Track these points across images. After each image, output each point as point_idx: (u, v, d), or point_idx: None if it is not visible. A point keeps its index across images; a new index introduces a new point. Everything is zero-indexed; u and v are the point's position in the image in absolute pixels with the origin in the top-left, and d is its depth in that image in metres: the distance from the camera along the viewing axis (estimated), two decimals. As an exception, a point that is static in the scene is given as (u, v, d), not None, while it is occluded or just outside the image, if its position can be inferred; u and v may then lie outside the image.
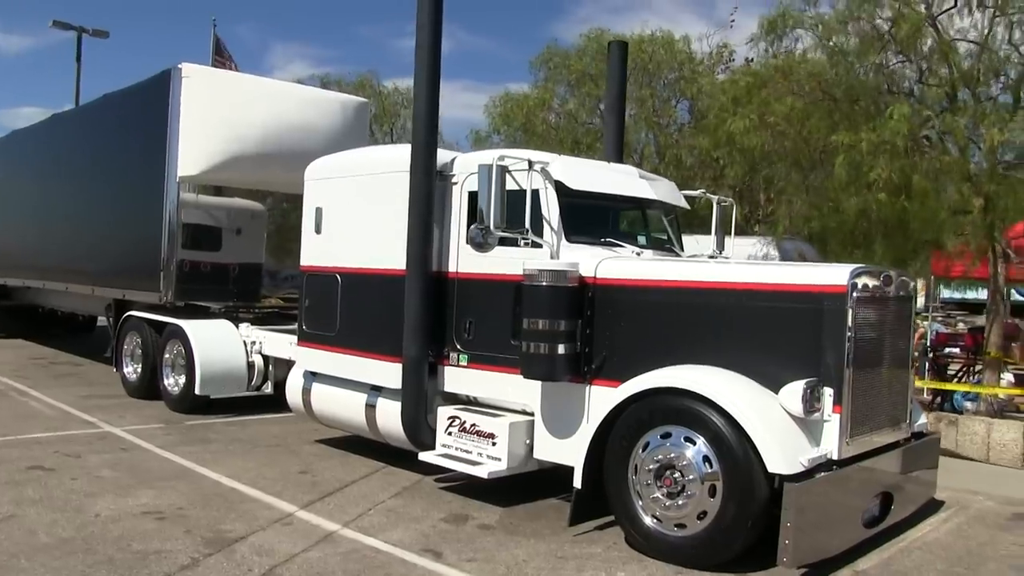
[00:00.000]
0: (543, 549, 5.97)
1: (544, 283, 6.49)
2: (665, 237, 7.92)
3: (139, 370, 11.40)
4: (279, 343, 10.46)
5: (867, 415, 5.93)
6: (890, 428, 6.29)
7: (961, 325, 16.15)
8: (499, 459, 6.91)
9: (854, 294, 5.69)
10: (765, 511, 5.43)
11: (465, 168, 7.47)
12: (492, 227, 6.51)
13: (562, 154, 7.72)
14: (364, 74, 25.69)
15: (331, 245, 8.33)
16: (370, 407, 7.95)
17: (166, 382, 10.80)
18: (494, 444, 6.96)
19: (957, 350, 11.92)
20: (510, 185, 6.72)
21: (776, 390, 5.68)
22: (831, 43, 9.29)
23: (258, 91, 10.91)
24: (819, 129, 9.13)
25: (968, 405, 10.47)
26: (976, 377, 10.92)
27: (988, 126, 8.11)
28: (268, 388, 10.71)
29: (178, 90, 10.37)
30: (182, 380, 10.59)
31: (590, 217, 7.30)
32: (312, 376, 8.69)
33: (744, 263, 7.17)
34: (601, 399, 6.38)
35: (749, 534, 5.47)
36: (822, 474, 5.46)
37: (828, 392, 5.62)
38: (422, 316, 7.37)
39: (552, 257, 6.83)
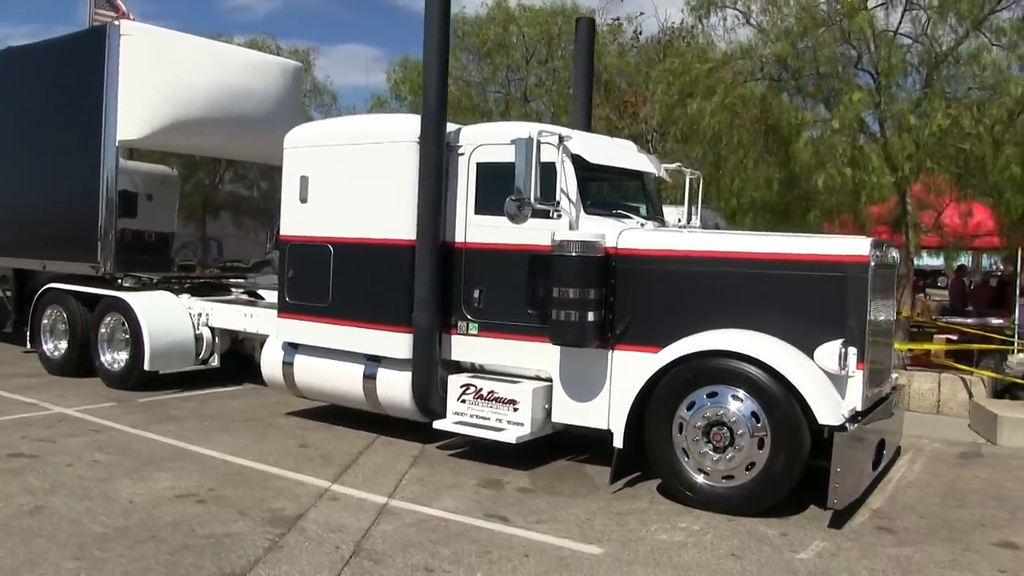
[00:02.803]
0: (595, 507, 6.29)
1: (574, 253, 6.74)
2: (655, 208, 8.34)
3: (63, 347, 10.64)
4: (229, 314, 10.12)
5: (876, 371, 6.63)
6: (885, 382, 7.05)
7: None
8: (522, 424, 7.13)
9: (872, 262, 6.32)
10: (807, 459, 6.03)
11: (473, 140, 7.55)
12: (532, 200, 6.66)
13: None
14: (258, 35, 24.37)
15: (321, 214, 8.15)
16: (369, 378, 7.91)
17: (103, 359, 10.15)
18: (516, 410, 7.17)
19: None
20: (531, 159, 6.87)
21: (802, 351, 6.27)
22: (782, 25, 10.00)
23: (200, 52, 10.29)
24: (772, 109, 9.82)
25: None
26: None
27: (932, 112, 9.10)
28: (215, 361, 10.33)
29: (116, 48, 9.62)
30: (123, 356, 10.01)
31: (602, 189, 7.59)
32: (293, 348, 8.50)
33: (763, 234, 7.68)
34: (631, 363, 6.74)
35: (794, 481, 6.04)
36: (855, 424, 6.09)
37: (853, 351, 6.23)
38: (433, 286, 7.42)
39: (571, 228, 7.07)
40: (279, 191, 12.38)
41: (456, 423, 7.43)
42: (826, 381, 6.14)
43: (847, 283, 6.29)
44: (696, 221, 8.92)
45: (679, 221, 8.96)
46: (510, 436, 7.07)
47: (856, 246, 6.38)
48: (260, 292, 11.28)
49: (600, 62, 17.75)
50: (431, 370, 7.50)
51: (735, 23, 11.17)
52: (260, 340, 10.16)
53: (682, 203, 9.26)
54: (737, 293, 6.62)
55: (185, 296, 10.40)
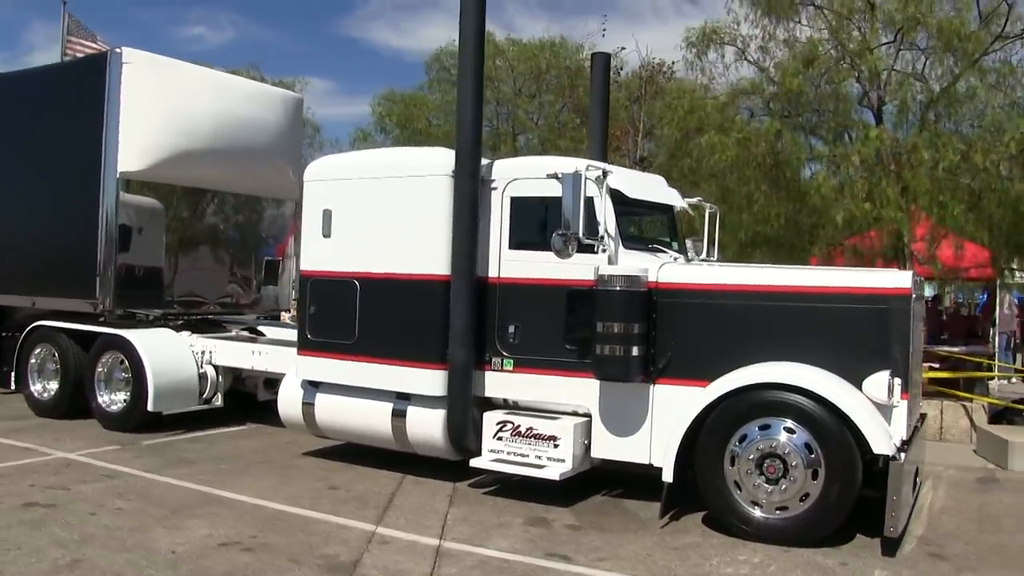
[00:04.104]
0: (650, 542, 6.23)
1: (618, 287, 6.73)
2: (681, 242, 8.40)
3: (53, 387, 10.22)
4: (235, 352, 9.85)
5: (914, 400, 6.75)
6: (918, 411, 7.18)
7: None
8: (563, 460, 7.06)
9: (913, 295, 6.46)
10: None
11: (507, 174, 7.53)
12: (580, 235, 6.64)
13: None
14: (246, 66, 23.83)
15: (346, 249, 7.99)
16: (398, 416, 7.74)
17: (100, 399, 9.75)
18: (556, 446, 7.11)
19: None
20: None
21: (848, 382, 6.34)
22: (792, 63, 10.25)
23: (203, 82, 10.09)
24: (783, 145, 10.04)
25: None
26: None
27: (943, 148, 9.41)
28: (218, 401, 10.02)
29: (117, 77, 9.38)
30: (122, 396, 9.65)
31: (637, 224, 7.62)
32: (313, 387, 8.29)
33: (804, 268, 7.77)
34: (674, 398, 6.74)
35: (848, 510, 6.09)
36: (903, 453, 6.17)
37: (898, 381, 6.32)
38: (469, 321, 7.33)
39: (610, 263, 7.06)
40: (265, 224, 12.29)
41: (493, 461, 7.32)
42: (876, 411, 6.21)
43: (891, 315, 6.39)
44: (715, 254, 9.02)
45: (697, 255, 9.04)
46: (553, 473, 6.99)
47: (899, 279, 6.52)
48: (260, 328, 10.99)
49: (584, 96, 17.97)
50: (466, 407, 7.39)
51: (731, 60, 11.44)
52: (264, 378, 9.97)
53: (688, 236, 9.33)
54: (780, 326, 6.67)
55: (186, 333, 10.10)
